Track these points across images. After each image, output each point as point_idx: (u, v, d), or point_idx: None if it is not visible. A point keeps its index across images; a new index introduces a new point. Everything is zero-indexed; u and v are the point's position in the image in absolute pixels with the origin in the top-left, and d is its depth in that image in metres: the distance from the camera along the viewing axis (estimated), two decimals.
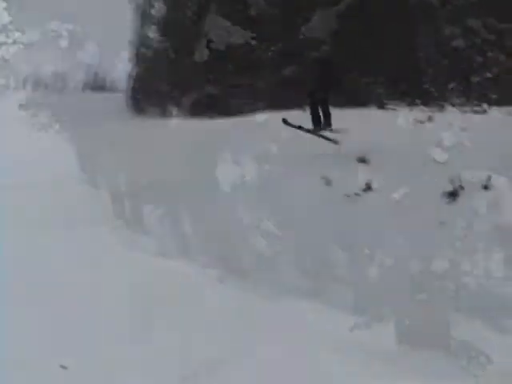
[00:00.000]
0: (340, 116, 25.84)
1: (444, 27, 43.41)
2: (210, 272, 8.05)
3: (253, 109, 30.74)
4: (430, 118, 22.64)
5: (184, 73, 49.37)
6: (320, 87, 15.25)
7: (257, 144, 18.60)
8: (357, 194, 11.28)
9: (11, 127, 25.50)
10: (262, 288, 7.22)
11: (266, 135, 19.48)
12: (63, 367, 7.37)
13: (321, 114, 15.68)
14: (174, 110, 48.78)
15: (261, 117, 25.86)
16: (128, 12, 59.31)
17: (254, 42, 41.48)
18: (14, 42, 42.67)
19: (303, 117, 20.82)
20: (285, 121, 15.02)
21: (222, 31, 44.99)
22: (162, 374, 5.34)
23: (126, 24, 59.15)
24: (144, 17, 58.50)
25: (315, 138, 18.32)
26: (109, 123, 32.13)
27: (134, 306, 6.78)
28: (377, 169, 12.64)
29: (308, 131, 15.48)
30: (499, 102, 32.91)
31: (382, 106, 34.79)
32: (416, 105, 35.08)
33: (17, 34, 42.95)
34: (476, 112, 28.38)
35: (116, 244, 9.81)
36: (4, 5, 41.23)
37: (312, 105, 15.27)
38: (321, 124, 15.49)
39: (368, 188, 11.44)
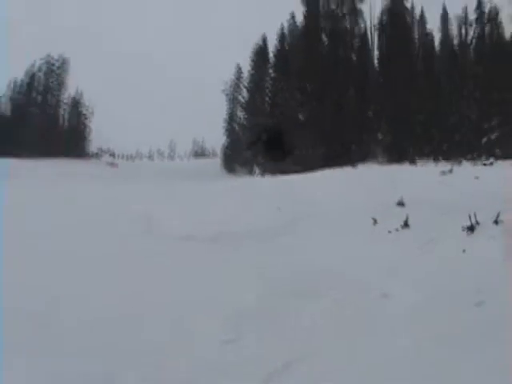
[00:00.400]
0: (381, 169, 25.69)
1: (462, 103, 43.62)
2: None
3: (311, 168, 31.03)
4: (450, 170, 22.57)
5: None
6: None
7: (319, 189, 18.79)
8: (397, 230, 11.28)
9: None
10: None
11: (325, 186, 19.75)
12: None
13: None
14: (257, 170, 49.54)
15: (320, 173, 26.06)
16: (223, 98, 61.02)
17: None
18: None
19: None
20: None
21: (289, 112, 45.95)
22: None
23: (222, 107, 60.67)
24: (234, 101, 60.58)
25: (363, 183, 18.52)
26: (211, 179, 32.74)
27: None
28: (412, 210, 12.62)
29: None
30: (503, 157, 33.07)
31: (413, 162, 34.75)
32: (440, 160, 35.08)
33: None
34: (485, 165, 28.35)
35: None
36: None
37: None
38: None
39: (406, 225, 11.42)
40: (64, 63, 67.01)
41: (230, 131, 58.87)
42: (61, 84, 67.11)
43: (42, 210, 15.31)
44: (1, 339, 4.93)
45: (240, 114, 58.32)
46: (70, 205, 16.84)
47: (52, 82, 66.74)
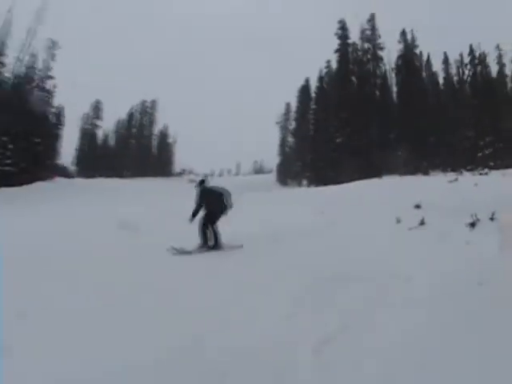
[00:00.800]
0: (399, 179, 25.46)
1: (462, 126, 43.39)
2: None
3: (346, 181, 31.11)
4: (456, 179, 22.44)
5: (308, 160, 50.38)
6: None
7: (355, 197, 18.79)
8: (415, 227, 11.35)
9: None
10: None
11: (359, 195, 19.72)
12: None
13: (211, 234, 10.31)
14: (304, 182, 49.64)
15: (352, 184, 25.97)
16: (276, 128, 62.96)
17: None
18: None
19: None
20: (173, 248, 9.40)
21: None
22: None
23: (275, 135, 62.48)
24: (285, 129, 61.92)
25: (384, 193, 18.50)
26: (266, 189, 32.83)
27: None
28: (427, 211, 12.66)
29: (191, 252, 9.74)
30: (496, 167, 32.88)
31: (426, 173, 34.44)
32: (447, 171, 34.72)
33: None
34: (481, 174, 28.18)
35: None
36: None
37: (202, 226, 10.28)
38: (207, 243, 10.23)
39: (422, 223, 11.50)
40: (154, 104, 69.73)
41: (282, 152, 61.29)
42: (152, 121, 70.10)
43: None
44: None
45: (290, 139, 60.48)
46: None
47: (145, 120, 69.49)
